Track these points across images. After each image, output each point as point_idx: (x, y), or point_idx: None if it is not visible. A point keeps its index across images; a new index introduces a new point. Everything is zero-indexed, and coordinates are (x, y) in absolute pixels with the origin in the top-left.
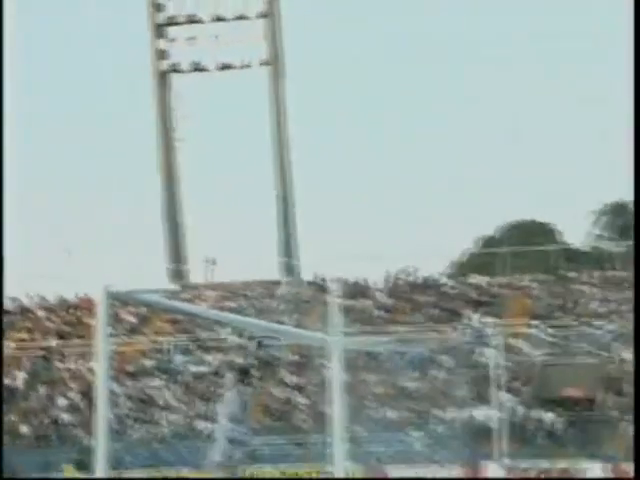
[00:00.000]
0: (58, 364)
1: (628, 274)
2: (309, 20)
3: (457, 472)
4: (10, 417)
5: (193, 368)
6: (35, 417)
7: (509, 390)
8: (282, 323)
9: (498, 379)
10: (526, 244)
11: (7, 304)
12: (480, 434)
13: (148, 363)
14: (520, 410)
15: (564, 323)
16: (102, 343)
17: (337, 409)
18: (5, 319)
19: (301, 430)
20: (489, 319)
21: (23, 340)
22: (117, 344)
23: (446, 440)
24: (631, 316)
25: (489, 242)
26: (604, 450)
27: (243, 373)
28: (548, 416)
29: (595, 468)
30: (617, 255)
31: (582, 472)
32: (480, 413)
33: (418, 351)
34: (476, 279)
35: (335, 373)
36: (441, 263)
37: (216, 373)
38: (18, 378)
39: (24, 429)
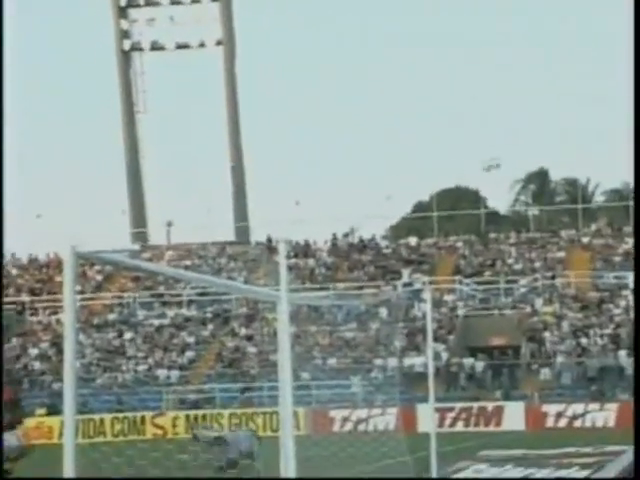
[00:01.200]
0: (30, 317)
1: (540, 235)
2: (258, 4)
3: (393, 414)
4: None
5: (154, 321)
6: (9, 365)
7: (440, 340)
8: (232, 279)
9: (429, 330)
10: (455, 209)
11: None
12: (413, 379)
13: (112, 316)
14: (448, 357)
15: (487, 279)
16: (69, 298)
17: (284, 357)
18: None
19: (250, 376)
20: (420, 276)
21: None
22: (84, 299)
23: (383, 385)
24: (543, 272)
25: (422, 207)
26: (521, 391)
27: None
28: (472, 362)
29: (512, 406)
30: (531, 218)
31: (501, 410)
32: (413, 360)
33: (356, 305)
34: (408, 240)
35: (282, 325)
36: (382, 226)
37: (175, 325)
38: None
39: None
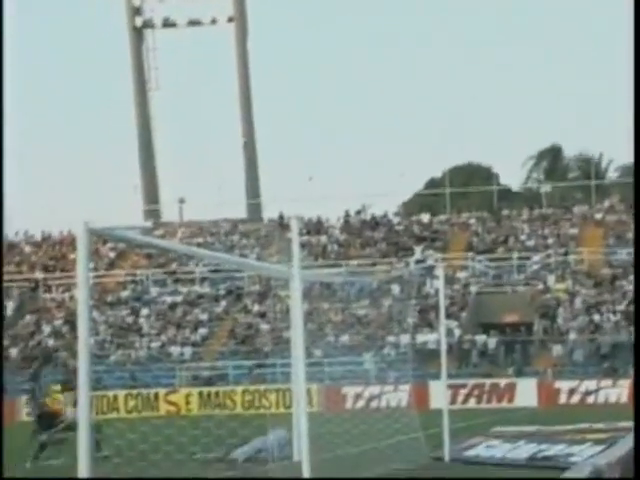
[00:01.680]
0: (44, 295)
1: (552, 211)
2: None
3: (406, 390)
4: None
5: (167, 298)
6: (23, 341)
7: (452, 317)
8: (245, 256)
9: (442, 307)
10: (467, 185)
11: None
12: (426, 356)
13: (125, 294)
14: (461, 334)
15: (499, 256)
16: (83, 275)
17: (297, 334)
18: None
19: (263, 353)
20: (433, 252)
21: (11, 273)
22: (97, 276)
23: (396, 362)
24: (556, 248)
25: (435, 183)
26: (533, 368)
27: None
28: (485, 339)
29: (524, 383)
30: (544, 194)
31: (513, 386)
32: (426, 337)
33: (368, 281)
34: (421, 217)
35: (295, 302)
36: (395, 203)
37: (188, 302)
38: (8, 308)
39: (13, 352)
